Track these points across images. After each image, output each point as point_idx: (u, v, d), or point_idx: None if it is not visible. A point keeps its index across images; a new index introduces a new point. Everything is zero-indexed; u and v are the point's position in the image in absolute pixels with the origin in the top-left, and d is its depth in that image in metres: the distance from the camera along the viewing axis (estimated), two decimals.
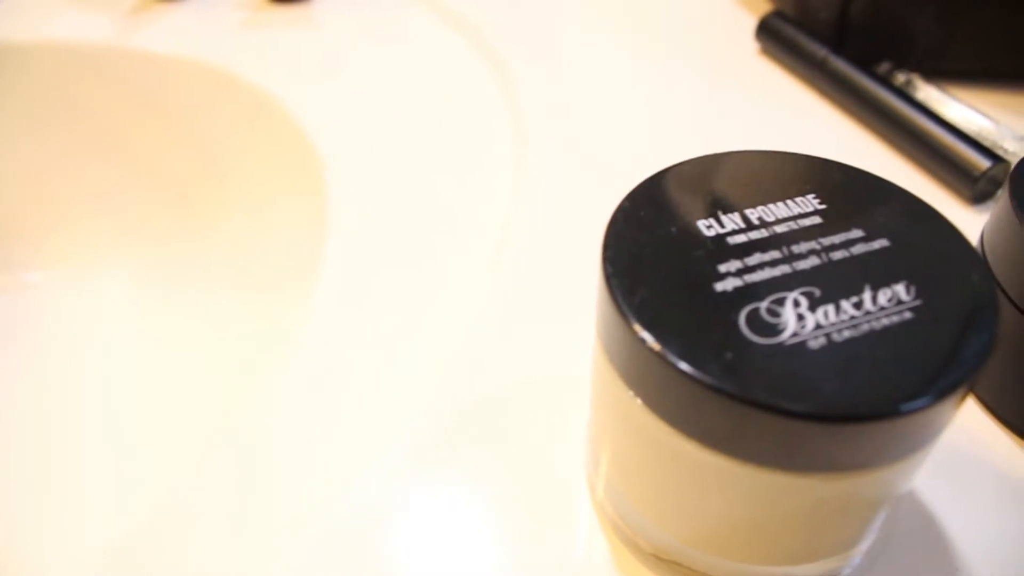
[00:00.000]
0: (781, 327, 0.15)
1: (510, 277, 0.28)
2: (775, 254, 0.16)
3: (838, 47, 0.36)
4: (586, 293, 0.22)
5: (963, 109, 0.34)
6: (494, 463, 0.22)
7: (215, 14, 0.43)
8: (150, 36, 0.42)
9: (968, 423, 0.23)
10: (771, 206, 0.17)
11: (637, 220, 0.17)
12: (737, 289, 0.15)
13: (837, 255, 0.16)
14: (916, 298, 0.15)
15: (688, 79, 0.38)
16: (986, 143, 0.32)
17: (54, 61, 0.42)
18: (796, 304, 0.15)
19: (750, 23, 0.40)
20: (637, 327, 0.15)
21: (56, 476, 0.34)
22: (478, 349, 0.25)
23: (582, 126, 0.35)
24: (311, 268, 0.30)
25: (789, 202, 0.17)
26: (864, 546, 0.19)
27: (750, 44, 0.40)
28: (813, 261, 0.16)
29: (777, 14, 0.38)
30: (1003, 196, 0.21)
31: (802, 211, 0.17)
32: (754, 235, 0.17)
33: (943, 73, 0.36)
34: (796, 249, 0.16)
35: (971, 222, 0.30)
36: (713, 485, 0.16)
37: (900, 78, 0.35)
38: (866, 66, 0.35)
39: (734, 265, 0.16)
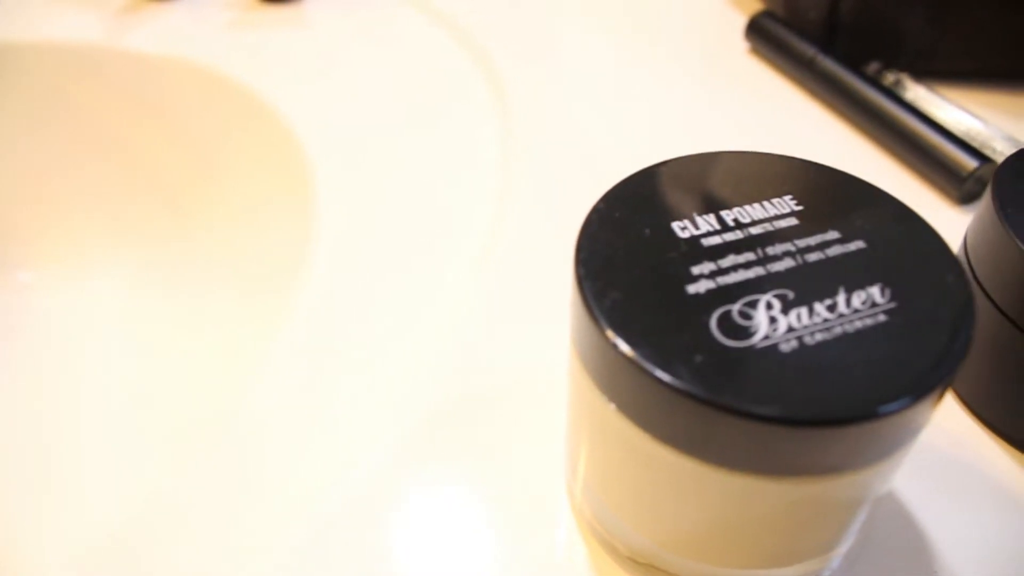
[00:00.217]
0: (753, 330, 0.15)
1: (499, 277, 0.28)
2: (749, 256, 0.16)
3: (827, 47, 0.36)
4: None
5: (953, 109, 0.34)
6: (478, 464, 0.22)
7: (205, 14, 0.43)
8: (140, 36, 0.41)
9: (951, 424, 0.23)
10: (747, 207, 0.17)
11: (611, 222, 0.17)
12: (710, 291, 0.15)
13: (812, 257, 0.16)
14: (891, 300, 0.15)
15: (677, 78, 0.38)
16: (975, 143, 0.32)
17: (43, 61, 0.42)
18: (769, 307, 0.15)
19: (740, 22, 0.40)
20: (607, 330, 0.14)
21: (49, 473, 0.34)
22: (466, 350, 0.25)
23: (571, 126, 0.35)
24: (301, 268, 0.30)
25: (766, 203, 0.17)
26: (843, 548, 0.19)
27: (740, 43, 0.40)
28: (788, 263, 0.16)
29: (767, 14, 0.38)
30: (986, 197, 0.21)
31: (779, 212, 0.17)
32: (729, 237, 0.16)
33: (933, 73, 0.36)
34: (771, 251, 0.16)
35: (959, 223, 0.30)
36: (687, 489, 0.16)
37: (889, 78, 0.35)
38: (855, 66, 0.35)
39: (707, 267, 0.16)
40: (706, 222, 0.17)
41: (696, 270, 0.16)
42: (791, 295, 0.15)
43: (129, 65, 0.42)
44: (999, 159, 0.31)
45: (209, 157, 0.41)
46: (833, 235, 0.17)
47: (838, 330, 0.15)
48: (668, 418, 0.14)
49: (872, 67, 0.36)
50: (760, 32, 0.38)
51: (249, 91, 0.38)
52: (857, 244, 0.16)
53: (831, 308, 0.15)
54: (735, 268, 0.16)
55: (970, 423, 0.23)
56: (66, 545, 0.29)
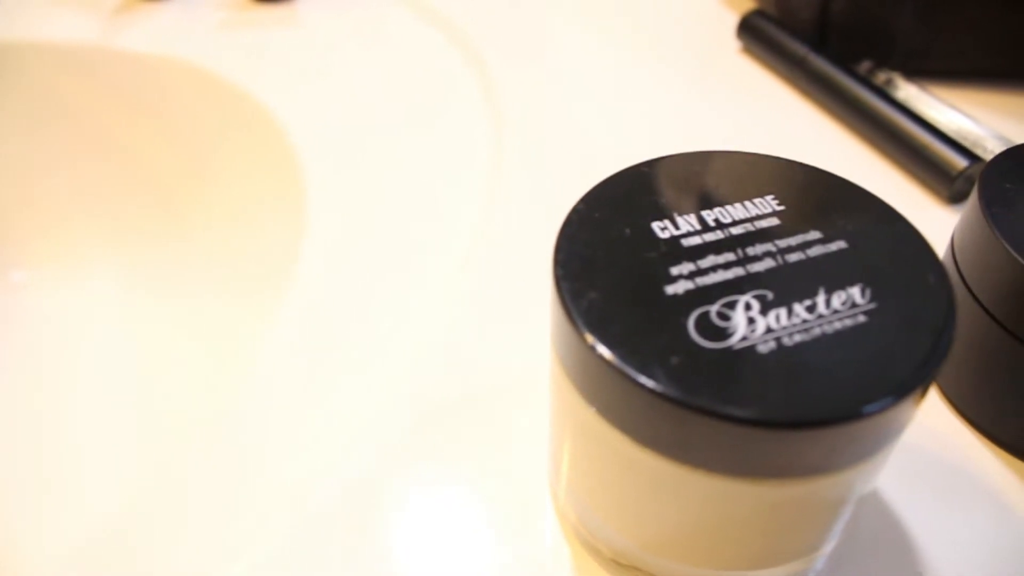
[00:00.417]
0: (731, 331, 0.14)
1: (489, 278, 0.28)
2: (729, 256, 0.16)
3: (819, 46, 0.36)
4: None
5: (944, 109, 0.33)
6: (463, 466, 0.22)
7: (199, 14, 0.43)
8: (134, 36, 0.41)
9: (937, 424, 0.23)
10: (728, 207, 0.17)
11: (591, 222, 0.17)
12: (688, 292, 0.15)
13: (793, 257, 0.16)
14: (871, 301, 0.15)
15: (669, 77, 0.37)
16: (966, 143, 0.32)
17: (37, 61, 0.42)
18: (747, 307, 0.15)
19: (732, 21, 0.40)
20: (584, 332, 0.14)
21: (45, 471, 0.34)
22: (454, 350, 0.25)
23: (563, 124, 0.35)
24: (291, 268, 0.30)
25: (747, 203, 0.17)
26: (827, 549, 0.19)
27: (732, 42, 0.39)
28: (768, 264, 0.16)
29: (759, 13, 0.38)
30: (973, 196, 0.21)
31: (760, 212, 0.17)
32: (709, 237, 0.16)
33: (925, 72, 0.36)
34: (751, 251, 0.16)
35: (948, 222, 0.29)
36: (668, 492, 0.16)
37: (881, 77, 0.35)
38: (847, 65, 0.35)
39: (687, 268, 0.16)
40: (687, 222, 0.17)
41: (675, 271, 0.16)
42: (770, 296, 0.15)
43: (123, 65, 0.42)
44: (989, 158, 0.31)
45: (203, 156, 0.41)
46: (815, 235, 0.17)
47: (817, 331, 0.15)
48: (646, 421, 0.14)
49: (864, 66, 0.36)
50: (752, 31, 0.38)
51: (242, 91, 0.38)
52: (839, 244, 0.16)
53: (810, 309, 0.15)
54: (714, 269, 0.16)
55: (956, 423, 0.23)
56: (63, 541, 0.30)
